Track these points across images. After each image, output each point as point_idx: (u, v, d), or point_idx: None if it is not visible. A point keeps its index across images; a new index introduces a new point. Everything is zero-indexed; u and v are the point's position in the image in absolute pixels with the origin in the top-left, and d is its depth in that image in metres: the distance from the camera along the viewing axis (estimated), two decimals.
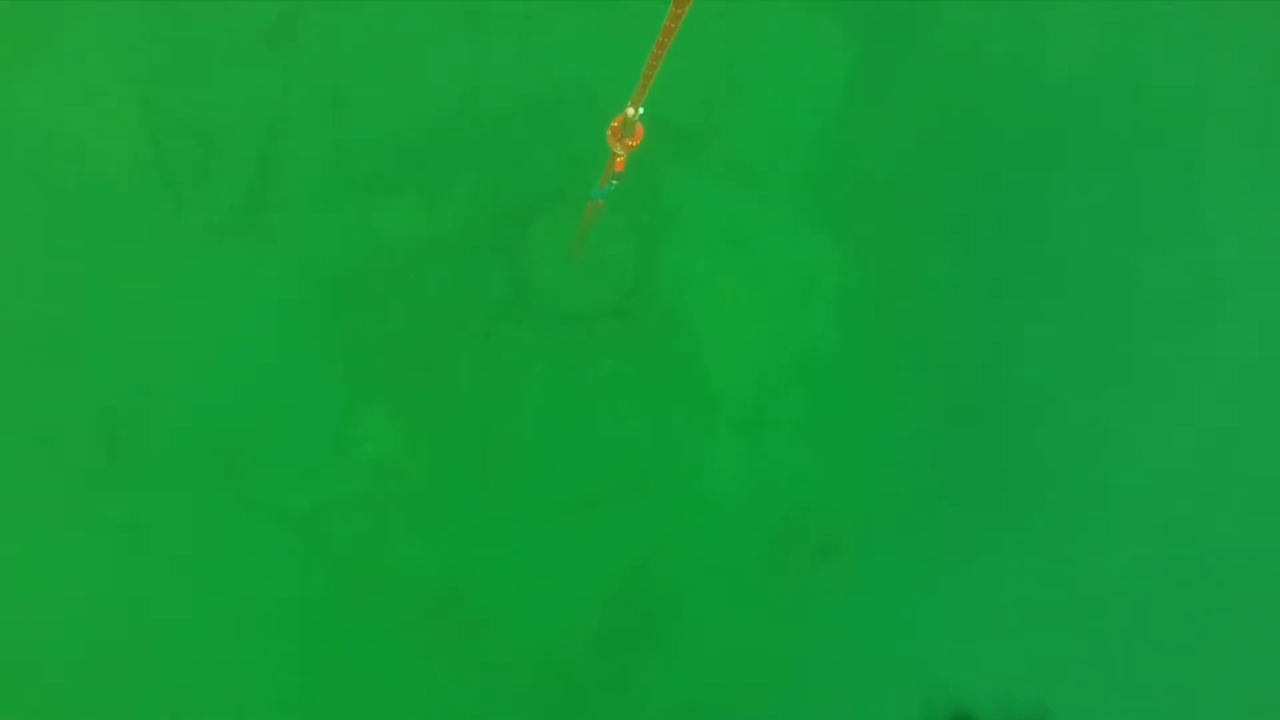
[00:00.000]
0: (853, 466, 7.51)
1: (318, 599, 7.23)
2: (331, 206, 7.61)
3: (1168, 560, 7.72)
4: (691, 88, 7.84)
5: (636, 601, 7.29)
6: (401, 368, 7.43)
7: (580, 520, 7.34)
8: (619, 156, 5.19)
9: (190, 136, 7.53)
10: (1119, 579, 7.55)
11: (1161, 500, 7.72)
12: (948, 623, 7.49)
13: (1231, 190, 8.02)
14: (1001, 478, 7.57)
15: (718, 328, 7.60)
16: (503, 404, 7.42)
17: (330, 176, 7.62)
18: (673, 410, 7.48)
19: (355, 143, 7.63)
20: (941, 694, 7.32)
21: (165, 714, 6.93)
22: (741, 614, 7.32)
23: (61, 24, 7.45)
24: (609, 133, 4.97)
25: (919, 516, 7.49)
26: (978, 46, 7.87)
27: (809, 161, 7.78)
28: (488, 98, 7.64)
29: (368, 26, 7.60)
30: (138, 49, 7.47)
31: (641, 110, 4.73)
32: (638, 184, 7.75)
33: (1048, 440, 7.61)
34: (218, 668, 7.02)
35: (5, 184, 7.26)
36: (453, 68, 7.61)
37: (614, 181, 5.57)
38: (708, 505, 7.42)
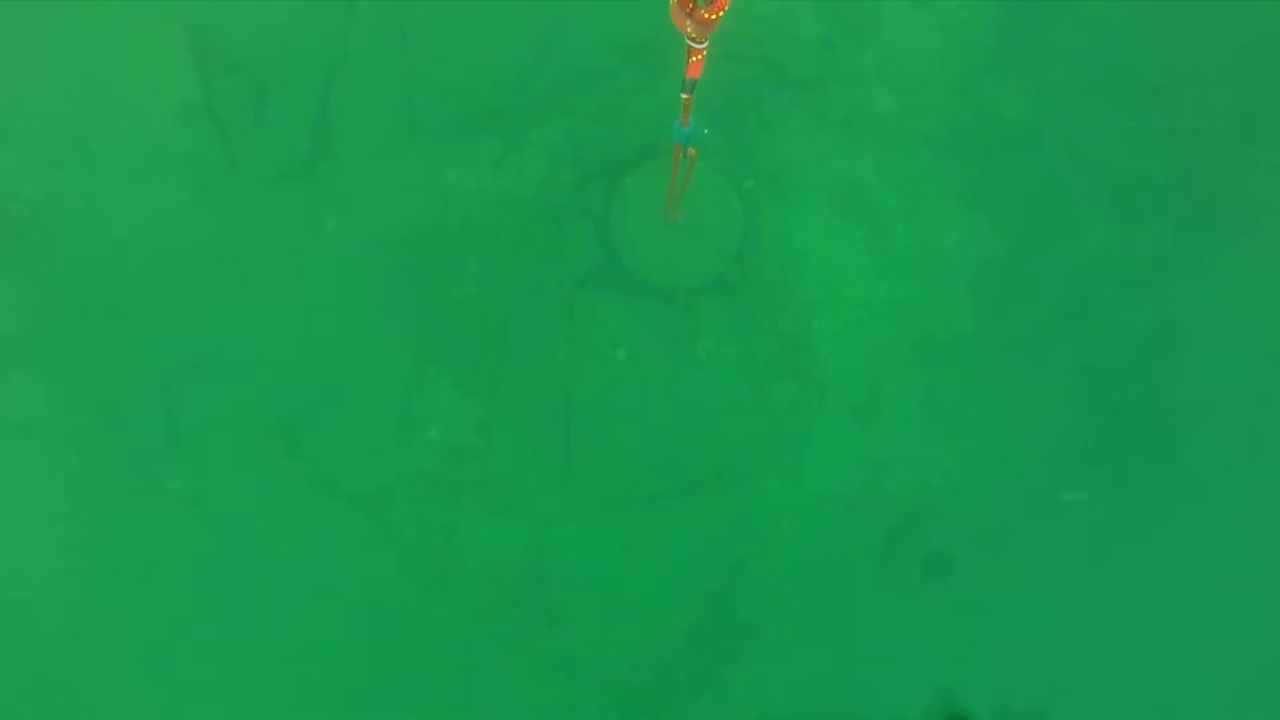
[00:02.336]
0: (976, 467, 6.50)
1: (387, 582, 6.54)
2: (398, 157, 6.67)
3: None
4: (810, 24, 6.65)
5: (733, 600, 6.50)
6: (473, 340, 6.58)
7: (674, 511, 6.53)
8: (696, 52, 3.68)
9: (243, 78, 6.58)
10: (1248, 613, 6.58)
11: None
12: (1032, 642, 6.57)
13: None
14: (1145, 495, 6.48)
15: (830, 305, 6.57)
16: (587, 384, 6.56)
17: (396, 124, 6.65)
18: (778, 396, 6.54)
19: (424, 86, 6.62)
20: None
21: (223, 699, 6.45)
22: (842, 623, 6.53)
23: None
24: (672, 5, 3.28)
25: (1043, 531, 6.54)
26: None
27: (945, 116, 6.56)
28: (574, 38, 6.52)
29: None
30: None
31: None
32: (744, 139, 6.68)
33: (1204, 455, 6.47)
34: (280, 650, 6.43)
35: (42, 132, 6.46)
36: (535, 2, 6.53)
37: (704, 130, 4.47)
38: (814, 502, 6.53)
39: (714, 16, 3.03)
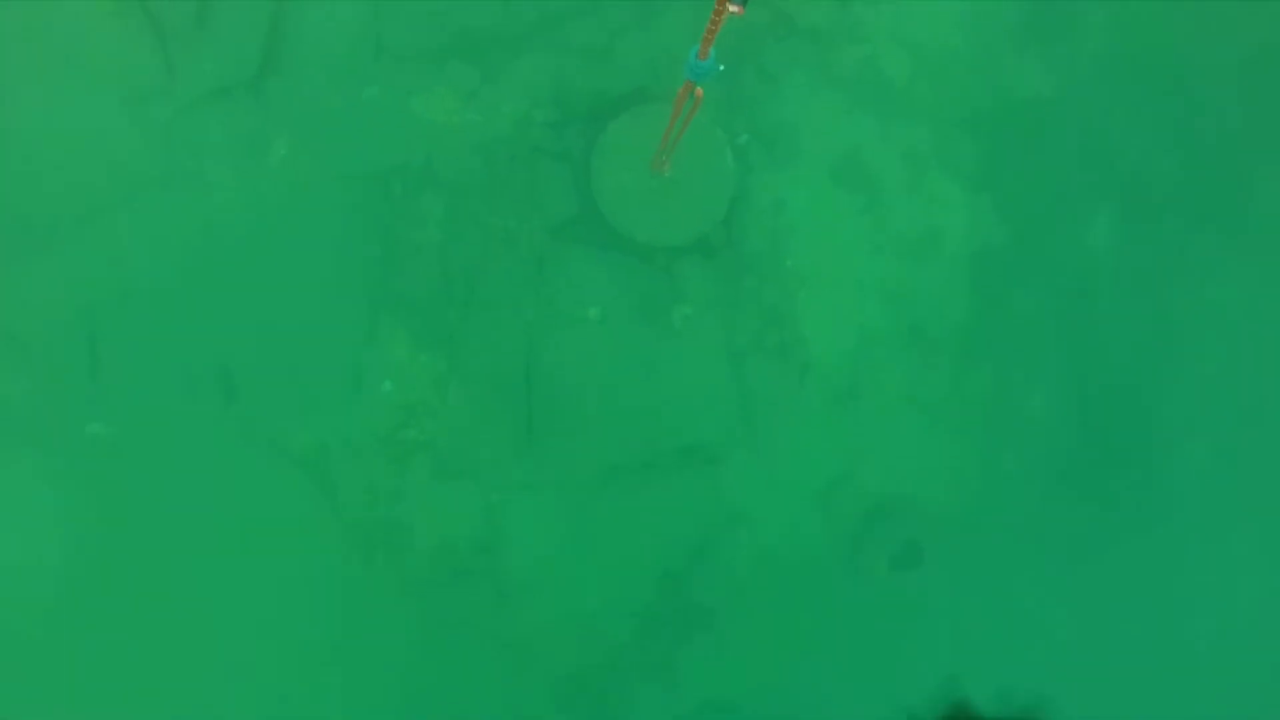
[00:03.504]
0: (954, 460, 6.13)
1: (325, 548, 6.01)
2: (359, 81, 5.92)
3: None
4: None
5: (691, 584, 6.11)
6: (433, 290, 5.95)
7: (636, 487, 6.07)
8: None
9: None
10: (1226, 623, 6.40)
11: None
12: (1008, 633, 6.35)
13: None
14: (1121, 498, 6.14)
15: (818, 278, 6.07)
16: (553, 345, 6.00)
17: (359, 42, 5.89)
18: (755, 373, 6.07)
19: (395, 5, 5.87)
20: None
21: (144, 667, 5.91)
22: (805, 613, 6.21)
23: None
24: None
25: (1015, 527, 6.19)
26: None
27: (957, 86, 6.01)
28: None
29: None
30: None
31: None
32: (742, 91, 6.07)
33: (1183, 472, 6.14)
34: (206, 619, 5.91)
35: None
36: None
37: (720, 66, 3.84)
38: (784, 487, 6.12)
39: None
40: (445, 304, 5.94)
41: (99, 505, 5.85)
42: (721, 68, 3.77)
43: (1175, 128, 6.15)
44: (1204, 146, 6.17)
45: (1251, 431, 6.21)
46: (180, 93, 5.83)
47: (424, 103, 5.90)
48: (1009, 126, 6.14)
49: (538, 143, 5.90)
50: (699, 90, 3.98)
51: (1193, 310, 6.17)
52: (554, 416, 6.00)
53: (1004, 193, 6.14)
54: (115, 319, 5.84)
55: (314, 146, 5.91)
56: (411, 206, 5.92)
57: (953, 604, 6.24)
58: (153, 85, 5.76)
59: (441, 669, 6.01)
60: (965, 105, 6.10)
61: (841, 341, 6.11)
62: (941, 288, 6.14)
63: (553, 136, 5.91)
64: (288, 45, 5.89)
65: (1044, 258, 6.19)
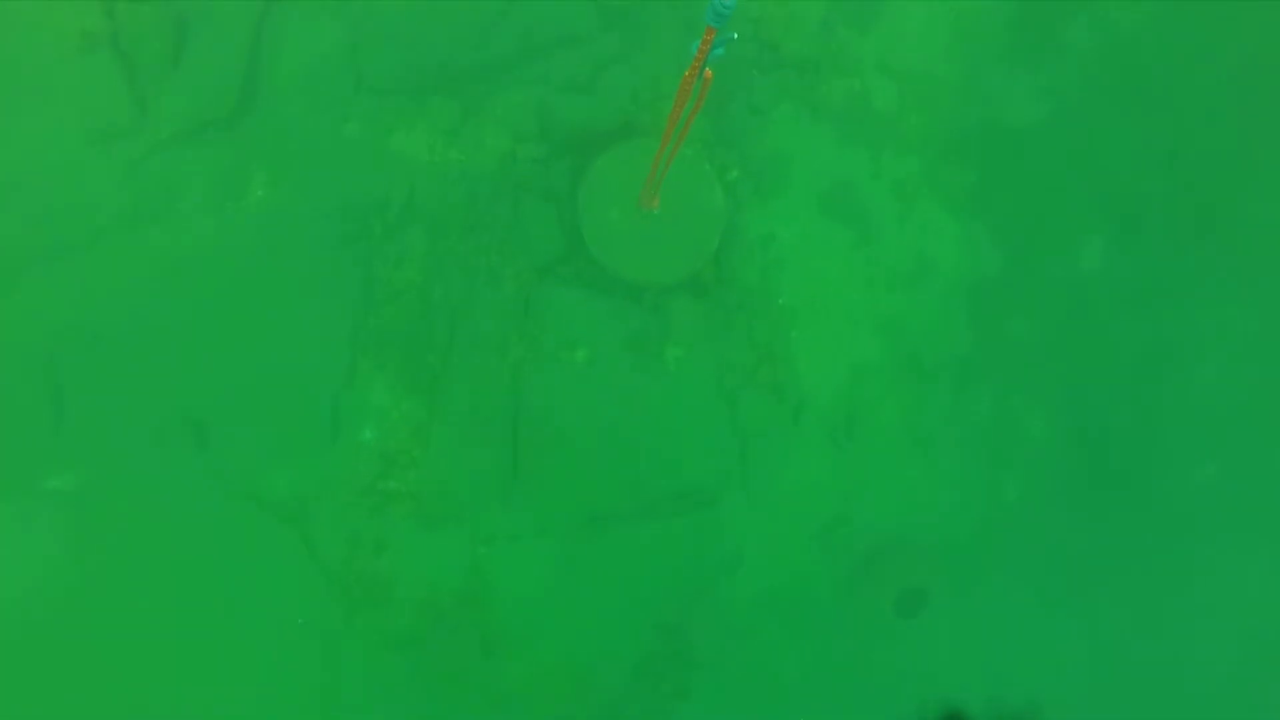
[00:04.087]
0: (956, 493, 5.95)
1: (305, 602, 5.69)
2: (338, 117, 5.72)
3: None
4: (809, 3, 5.90)
5: (688, 633, 5.83)
6: (414, 332, 5.71)
7: (628, 533, 5.82)
8: None
9: (158, 6, 5.55)
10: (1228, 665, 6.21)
11: None
12: (1016, 670, 6.13)
13: None
14: (1128, 523, 6.00)
15: (811, 312, 5.90)
16: (540, 388, 5.78)
17: (338, 78, 5.70)
18: (749, 412, 5.85)
19: (372, 35, 5.68)
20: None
21: None
22: (807, 658, 5.94)
23: None
24: None
25: (1020, 559, 6.00)
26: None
27: (946, 114, 5.92)
28: None
29: None
30: None
31: None
32: (731, 125, 5.93)
33: (1194, 484, 6.06)
34: (181, 675, 5.57)
35: None
36: None
37: (733, 35, 3.38)
38: (782, 529, 5.89)
39: None
40: (427, 347, 5.69)
41: (63, 561, 5.50)
42: (735, 36, 3.41)
43: (1165, 148, 6.08)
44: (1194, 166, 6.10)
45: (1257, 451, 6.08)
46: (152, 130, 5.59)
47: (405, 139, 5.71)
48: (999, 153, 6.04)
49: (522, 179, 5.71)
50: (709, 73, 3.49)
51: (1190, 330, 6.06)
52: (541, 462, 5.75)
53: (996, 220, 6.02)
54: (81, 364, 5.54)
55: (291, 184, 5.69)
56: (392, 246, 5.70)
57: (959, 643, 6.01)
58: (123, 122, 5.53)
59: None
60: (955, 133, 5.99)
61: (836, 377, 5.92)
62: (936, 318, 5.99)
63: (538, 173, 5.73)
64: (265, 81, 5.69)
65: (1038, 283, 6.06)
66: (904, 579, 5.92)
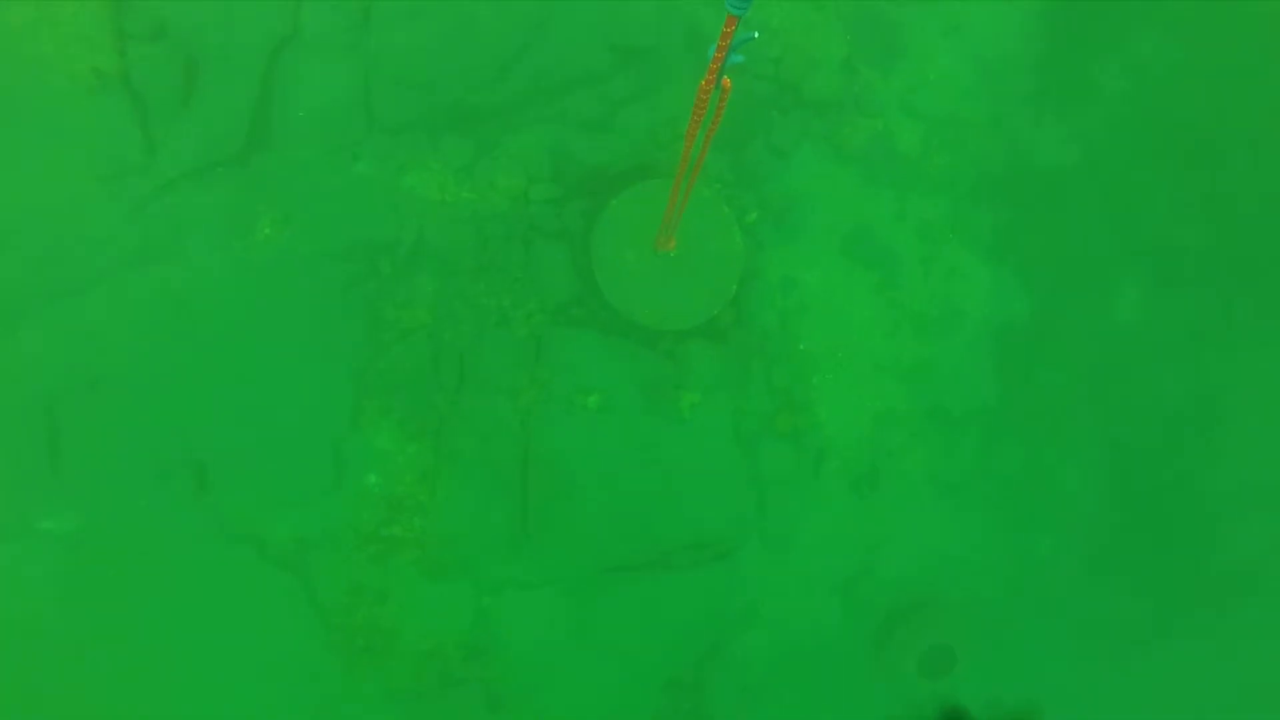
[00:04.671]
0: (984, 548, 5.66)
1: (304, 653, 5.47)
2: (349, 156, 5.59)
3: None
4: (831, 43, 5.74)
5: (705, 689, 5.54)
6: (422, 375, 5.52)
7: (641, 586, 5.54)
8: None
9: (170, 46, 5.46)
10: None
11: None
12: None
13: None
14: (1170, 585, 5.68)
15: (833, 359, 5.67)
16: (551, 434, 5.55)
17: (350, 117, 5.58)
18: (768, 461, 5.60)
19: (385, 75, 5.58)
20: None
21: None
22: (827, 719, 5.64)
23: None
24: None
25: (1052, 621, 5.67)
26: (1219, 27, 5.74)
27: (972, 156, 5.71)
28: (563, 33, 5.53)
29: None
30: None
31: None
32: (750, 166, 5.75)
33: (1236, 554, 5.70)
34: None
35: None
36: None
37: (754, 34, 3.20)
38: (802, 583, 5.60)
39: None
40: (435, 390, 5.49)
41: (59, 603, 5.30)
42: (755, 35, 3.20)
43: (1201, 192, 5.83)
44: (1232, 211, 5.83)
45: None
46: (161, 169, 5.48)
47: (416, 178, 5.56)
48: (1028, 196, 5.81)
49: (535, 220, 5.54)
50: (727, 82, 3.21)
51: (1231, 381, 5.75)
52: (551, 510, 5.50)
53: (1026, 265, 5.77)
54: (81, 404, 5.38)
55: (300, 223, 5.54)
56: (401, 286, 5.53)
57: (987, 707, 5.66)
58: (133, 161, 5.41)
59: None
60: (982, 176, 5.77)
61: (859, 425, 5.66)
62: (963, 366, 5.72)
63: (551, 213, 5.56)
64: (276, 120, 5.57)
65: (1070, 331, 5.78)
66: (929, 637, 5.60)
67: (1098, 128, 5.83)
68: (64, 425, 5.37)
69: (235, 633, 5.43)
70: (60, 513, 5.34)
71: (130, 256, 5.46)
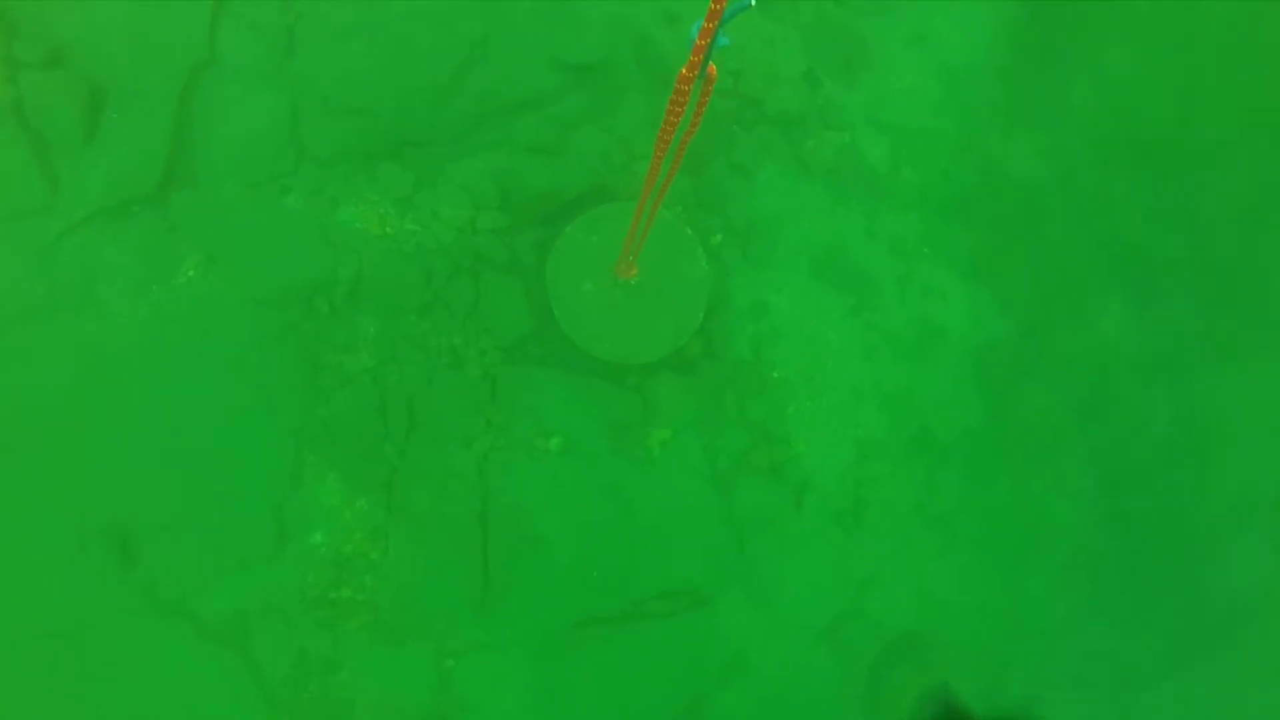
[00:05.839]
0: (974, 583, 5.29)
1: None
2: (277, 189, 5.08)
3: None
4: (793, 56, 5.36)
5: None
6: (369, 425, 4.99)
7: (614, 641, 5.08)
8: None
9: (70, 74, 4.90)
10: None
11: None
12: None
13: None
14: (1170, 615, 5.30)
15: (809, 387, 5.26)
16: (510, 482, 5.06)
17: (277, 146, 5.06)
18: (745, 500, 5.16)
19: (313, 100, 5.06)
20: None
21: None
22: None
23: None
24: None
25: (1048, 658, 5.32)
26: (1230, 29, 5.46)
27: (944, 170, 5.37)
28: (506, 50, 5.08)
29: None
30: None
31: None
32: (713, 186, 5.34)
33: (1240, 581, 5.37)
34: None
35: None
36: (460, 2, 5.04)
37: (749, 1, 2.59)
38: (788, 625, 5.17)
39: None
40: (382, 440, 4.98)
41: None
42: (753, 2, 2.60)
43: (1179, 204, 5.55)
44: (1212, 222, 5.57)
45: None
46: (66, 209, 4.91)
47: (352, 211, 5.06)
48: (1003, 210, 5.49)
49: (484, 252, 5.07)
50: (713, 69, 2.67)
51: (1223, 397, 5.45)
52: (514, 564, 5.01)
53: (1005, 281, 5.44)
54: None
55: (226, 265, 5.01)
56: (340, 329, 5.01)
57: None
58: (31, 203, 4.84)
59: None
60: (954, 190, 5.44)
61: (839, 456, 5.26)
62: (945, 390, 5.36)
63: (500, 244, 5.09)
64: (195, 151, 5.04)
65: (1054, 349, 5.46)
66: (921, 681, 5.21)
67: (1069, 137, 5.54)
68: None
69: (167, 713, 4.85)
70: None
71: (36, 308, 4.88)
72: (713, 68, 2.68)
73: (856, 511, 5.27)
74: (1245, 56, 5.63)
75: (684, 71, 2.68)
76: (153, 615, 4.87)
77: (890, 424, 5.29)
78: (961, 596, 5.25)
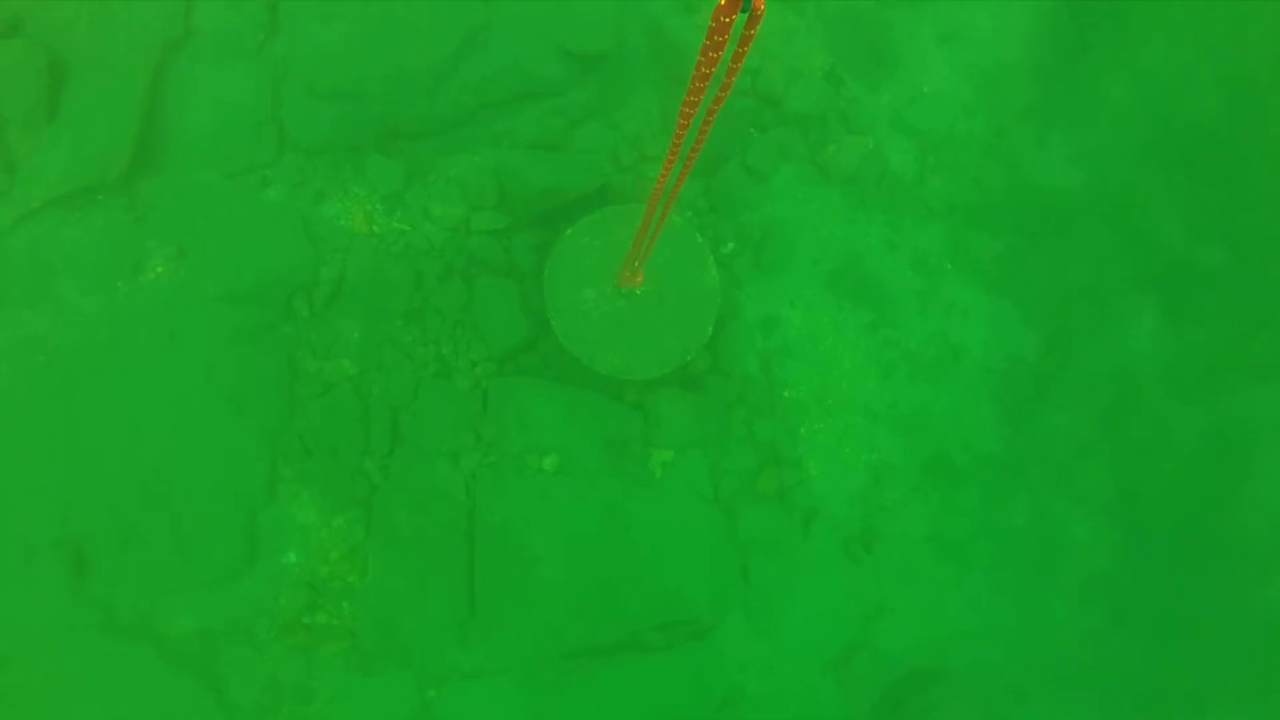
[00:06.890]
0: (990, 612, 4.95)
1: None
2: (256, 180, 4.64)
3: None
4: (814, 53, 4.96)
5: None
6: (349, 438, 4.57)
7: (608, 671, 4.69)
8: None
9: (27, 47, 4.43)
10: None
11: None
12: None
13: None
14: (1195, 647, 5.03)
15: (821, 407, 4.89)
16: (500, 500, 4.66)
17: (257, 134, 4.61)
18: (750, 524, 4.77)
19: (297, 85, 4.62)
20: None
21: None
22: None
23: None
24: None
25: (1068, 691, 5.00)
26: (1234, 35, 5.11)
27: (971, 178, 5.01)
28: (507, 37, 4.64)
29: None
30: None
31: None
32: (726, 190, 4.93)
33: (1273, 607, 5.10)
34: None
35: None
36: None
37: None
38: (790, 659, 4.81)
39: None
40: (363, 454, 4.57)
41: None
42: None
43: (1220, 210, 5.19)
44: (1254, 229, 5.21)
45: None
46: (22, 194, 4.46)
47: (337, 207, 4.64)
48: (1033, 217, 5.13)
49: (478, 254, 4.66)
50: (759, 4, 2.14)
51: (1260, 415, 5.11)
52: (502, 589, 4.62)
53: (1030, 294, 5.09)
54: None
55: (198, 260, 4.58)
56: (321, 333, 4.60)
57: None
58: None
59: None
60: (982, 199, 5.08)
61: (851, 481, 4.91)
62: (964, 411, 5.02)
63: (496, 246, 4.68)
64: (166, 135, 4.60)
65: (1079, 364, 5.11)
66: (933, 716, 4.88)
67: (1104, 145, 5.18)
68: None
69: None
70: None
71: None
72: (759, 4, 2.13)
73: (866, 539, 4.91)
74: None
75: (706, 41, 2.18)
76: (109, 636, 4.47)
77: (905, 447, 4.94)
78: (975, 627, 4.92)
